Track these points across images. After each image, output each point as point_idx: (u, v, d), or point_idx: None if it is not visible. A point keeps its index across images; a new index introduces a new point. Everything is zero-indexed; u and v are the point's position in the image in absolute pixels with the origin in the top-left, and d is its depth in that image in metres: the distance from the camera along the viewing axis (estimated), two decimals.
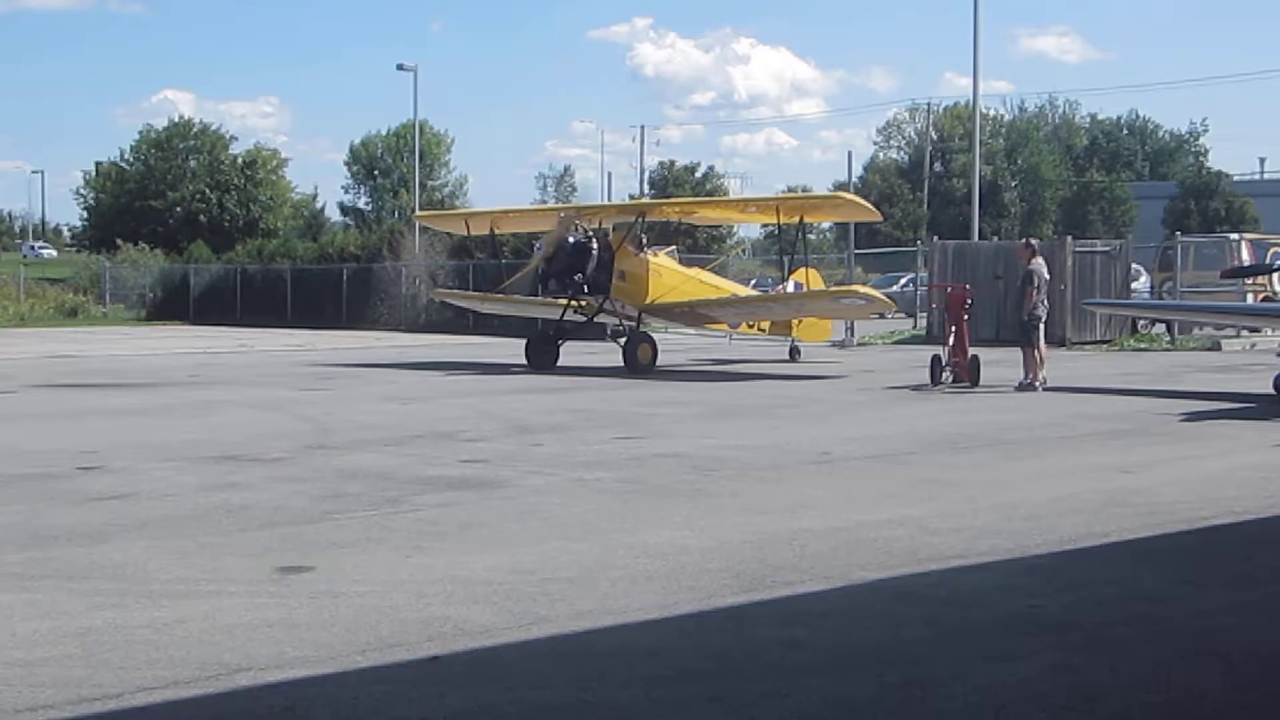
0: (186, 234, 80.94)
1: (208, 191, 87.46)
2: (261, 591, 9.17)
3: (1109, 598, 9.16)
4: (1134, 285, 43.06)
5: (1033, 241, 27.71)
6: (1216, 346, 36.86)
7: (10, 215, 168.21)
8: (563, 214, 32.34)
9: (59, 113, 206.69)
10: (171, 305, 65.69)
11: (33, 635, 8.12)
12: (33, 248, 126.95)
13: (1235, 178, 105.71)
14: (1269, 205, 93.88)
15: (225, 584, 9.38)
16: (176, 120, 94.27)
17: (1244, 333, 38.16)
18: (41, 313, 63.80)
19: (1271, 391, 22.39)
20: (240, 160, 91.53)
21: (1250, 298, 39.44)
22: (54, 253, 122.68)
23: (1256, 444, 17.44)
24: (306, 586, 9.30)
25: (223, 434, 18.34)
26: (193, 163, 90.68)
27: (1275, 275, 34.82)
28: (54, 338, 48.03)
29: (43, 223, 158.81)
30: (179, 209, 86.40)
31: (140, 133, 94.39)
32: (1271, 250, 42.68)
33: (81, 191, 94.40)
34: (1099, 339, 38.64)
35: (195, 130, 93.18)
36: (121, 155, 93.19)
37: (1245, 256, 42.00)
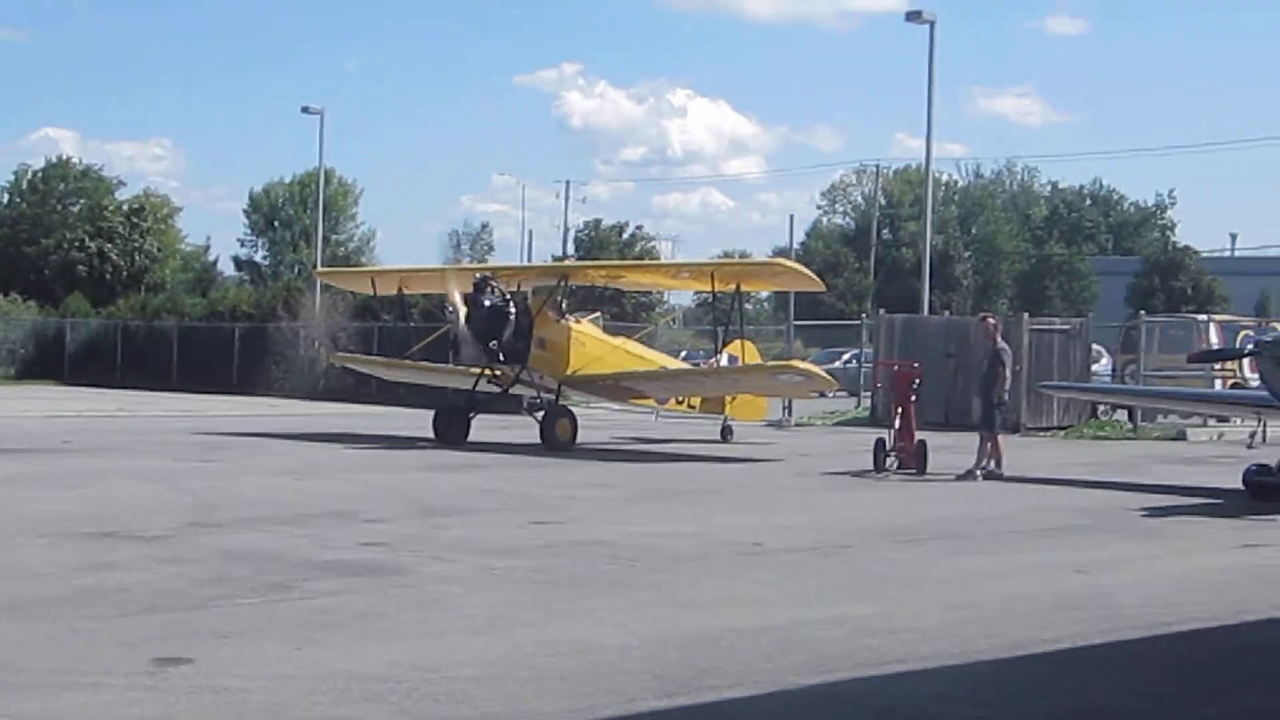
0: (63, 285, 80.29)
1: (88, 240, 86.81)
2: (138, 685, 9.06)
3: (1061, 711, 9.19)
4: (1095, 367, 43.43)
5: (996, 319, 27.95)
6: (1182, 436, 37.18)
7: None
8: (476, 274, 32.26)
9: None
10: (45, 363, 65.10)
11: None
12: None
13: (1204, 254, 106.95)
14: (1240, 284, 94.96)
15: (100, 676, 9.27)
16: (55, 160, 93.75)
17: (1211, 421, 38.52)
18: None
19: (1240, 486, 22.57)
20: (126, 207, 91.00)
21: (1219, 384, 39.84)
22: None
23: (1223, 544, 17.58)
24: (185, 680, 9.20)
25: (99, 508, 18.18)
26: (73, 207, 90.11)
27: (1246, 360, 35.16)
28: None
29: None
30: (55, 257, 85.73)
31: (15, 172, 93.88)
32: (1242, 333, 43.05)
33: None
34: (1056, 425, 38.90)
35: (76, 172, 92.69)
36: None
37: (1214, 339, 42.34)
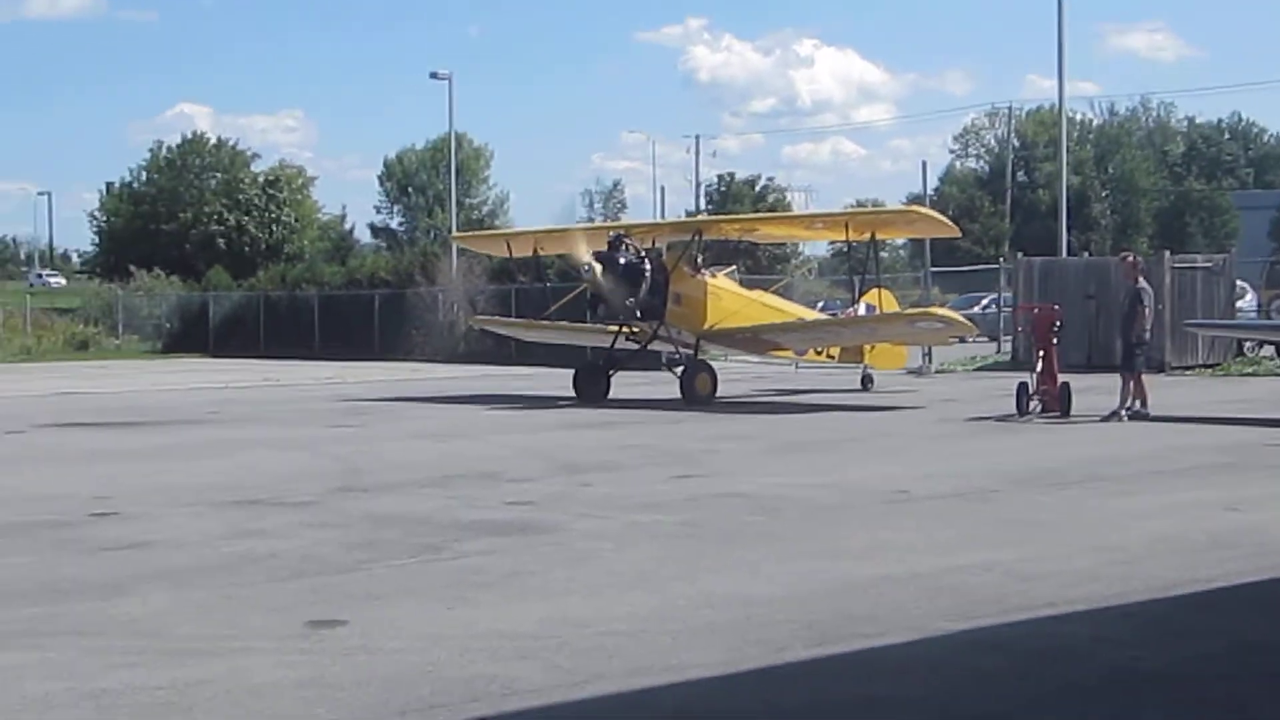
0: (204, 259, 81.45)
1: (226, 213, 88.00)
2: (290, 648, 9.18)
3: (1218, 650, 9.08)
4: (1239, 304, 42.79)
5: (1139, 258, 27.57)
6: None
7: (15, 241, 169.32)
8: (611, 233, 32.28)
9: (67, 130, 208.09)
10: (190, 336, 66.02)
11: (45, 697, 8.15)
12: (40, 276, 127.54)
13: None
14: None
15: (251, 640, 9.40)
16: (191, 136, 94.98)
17: None
18: (50, 346, 64.25)
19: None
20: (262, 179, 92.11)
21: None
22: (63, 281, 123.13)
23: None
24: (339, 642, 9.31)
25: (246, 476, 18.43)
26: (210, 182, 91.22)
27: None
28: (63, 373, 48.31)
29: (50, 249, 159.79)
30: (195, 232, 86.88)
31: (151, 150, 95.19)
32: None
33: (94, 214, 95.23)
34: (1202, 363, 38.40)
35: (211, 146, 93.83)
36: (133, 175, 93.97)
37: None
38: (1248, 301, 46.04)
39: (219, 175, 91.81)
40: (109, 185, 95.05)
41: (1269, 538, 12.95)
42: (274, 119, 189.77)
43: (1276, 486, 16.47)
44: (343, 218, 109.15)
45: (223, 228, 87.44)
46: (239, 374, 45.60)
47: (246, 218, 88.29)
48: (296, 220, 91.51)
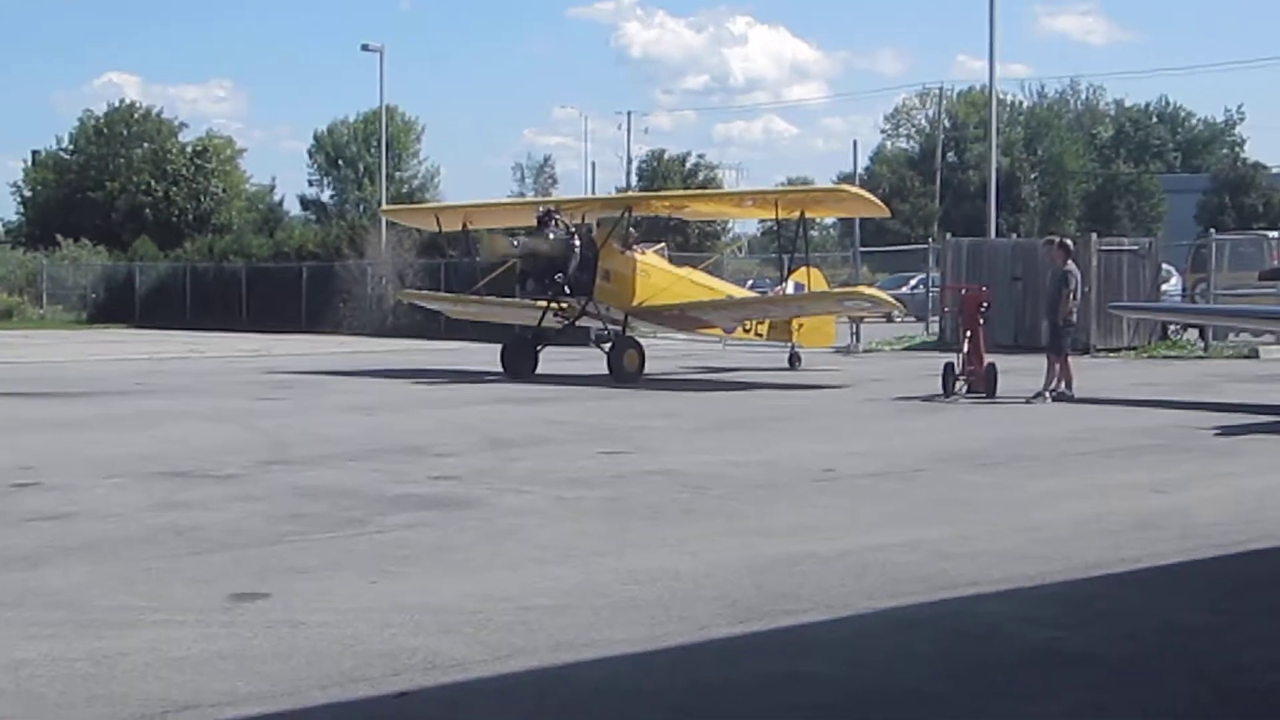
0: (131, 229, 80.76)
1: (153, 183, 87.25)
2: (213, 621, 9.11)
3: (1140, 630, 9.13)
4: (1164, 287, 43.10)
5: (1066, 241, 27.71)
6: (1254, 354, 36.90)
7: None
8: (540, 208, 32.20)
9: None
10: (115, 307, 65.67)
11: None
12: None
13: (1274, 170, 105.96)
14: None
15: (173, 613, 9.32)
16: (119, 105, 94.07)
17: None
18: None
19: None
20: (190, 149, 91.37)
21: None
22: None
23: None
24: (262, 615, 9.25)
25: (171, 448, 18.29)
26: (137, 151, 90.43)
27: None
28: None
29: None
30: (121, 202, 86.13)
31: (80, 119, 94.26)
32: None
33: (18, 184, 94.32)
34: (1126, 346, 38.68)
35: (139, 115, 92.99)
36: (59, 144, 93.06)
37: None
38: (1173, 285, 46.36)
39: (146, 145, 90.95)
40: (34, 154, 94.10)
41: (1193, 519, 13.03)
42: (203, 89, 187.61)
43: (1200, 468, 16.58)
44: (271, 189, 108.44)
45: (150, 198, 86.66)
46: (165, 345, 45.34)
47: (174, 188, 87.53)
48: (224, 191, 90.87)
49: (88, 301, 67.58)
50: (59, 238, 73.87)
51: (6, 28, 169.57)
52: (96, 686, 7.71)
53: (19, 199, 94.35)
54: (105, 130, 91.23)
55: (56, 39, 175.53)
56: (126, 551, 11.33)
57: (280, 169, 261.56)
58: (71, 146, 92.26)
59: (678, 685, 7.87)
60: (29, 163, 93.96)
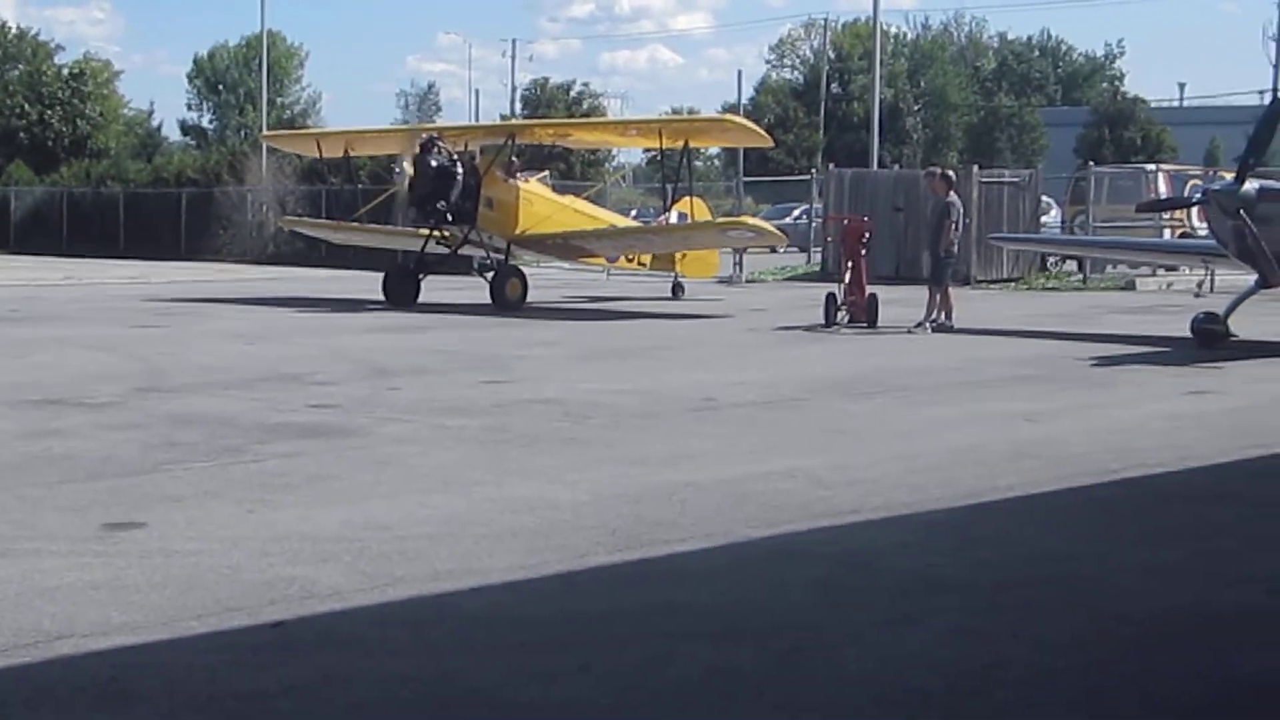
0: (4, 153, 79.46)
1: (27, 106, 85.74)
2: (86, 550, 9.02)
3: (1013, 557, 9.24)
4: (1044, 219, 43.54)
5: (949, 173, 27.85)
6: (1131, 286, 37.34)
7: None
8: (423, 135, 31.96)
9: None
10: None
11: None
12: None
13: (1152, 104, 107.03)
14: (1188, 134, 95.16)
15: (45, 542, 9.22)
16: None
17: (1160, 271, 38.65)
18: None
19: (1188, 334, 22.69)
20: (66, 72, 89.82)
21: (1167, 233, 39.94)
22: None
23: (1171, 391, 17.68)
24: (136, 545, 9.17)
25: (45, 375, 18.08)
26: (13, 74, 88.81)
27: (1194, 210, 35.23)
28: None
29: None
30: None
31: None
32: (1190, 183, 43.09)
33: None
34: (1006, 277, 39.02)
35: (13, 37, 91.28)
36: None
37: (1163, 189, 42.42)
38: (1052, 217, 46.86)
39: (21, 67, 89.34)
40: None
41: (1066, 449, 13.19)
42: (81, 10, 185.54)
43: (1075, 399, 16.77)
44: (150, 114, 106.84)
45: (24, 121, 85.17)
46: (40, 272, 44.75)
47: (49, 111, 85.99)
48: (102, 115, 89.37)
49: None
50: None
51: None
52: None
53: None
54: None
55: None
56: None
57: (159, 94, 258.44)
58: None
59: (555, 614, 7.88)
60: None
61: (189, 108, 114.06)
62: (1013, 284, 38.46)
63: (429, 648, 7.29)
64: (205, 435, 13.39)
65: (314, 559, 8.85)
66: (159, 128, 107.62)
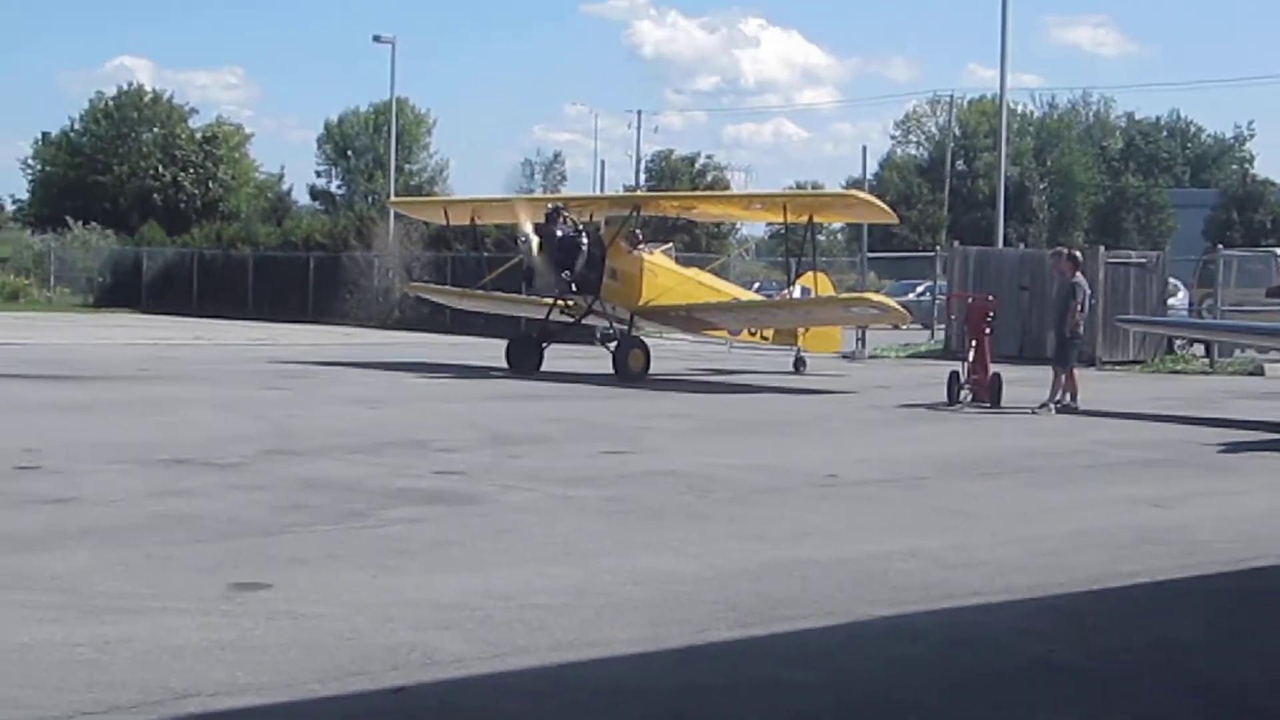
0: (139, 214, 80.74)
1: (162, 168, 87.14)
2: (213, 610, 9.14)
3: (1137, 645, 9.15)
4: (1171, 301, 43.04)
5: (1075, 253, 27.70)
6: (1260, 371, 36.83)
7: None
8: (548, 205, 32.11)
9: (2, 79, 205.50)
10: (122, 291, 65.56)
11: None
12: None
13: None
14: None
15: (174, 600, 9.35)
16: (128, 88, 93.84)
17: None
18: None
19: None
20: (199, 135, 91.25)
21: None
22: None
23: None
24: (262, 606, 9.27)
25: (174, 435, 18.33)
26: (146, 136, 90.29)
27: None
28: None
29: None
30: (130, 186, 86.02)
31: (91, 101, 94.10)
32: None
33: (28, 162, 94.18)
34: (1131, 359, 38.63)
35: (148, 100, 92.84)
36: (70, 125, 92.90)
37: None
38: (1179, 299, 46.34)
39: (156, 129, 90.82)
40: (44, 134, 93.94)
41: (1193, 535, 13.04)
42: (215, 75, 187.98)
43: (1202, 485, 16.58)
44: (280, 178, 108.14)
45: (158, 183, 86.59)
46: (170, 331, 45.35)
47: (183, 174, 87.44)
48: (233, 178, 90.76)
49: (94, 285, 67.49)
50: (69, 220, 73.75)
51: (20, 7, 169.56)
52: (97, 672, 7.73)
53: (29, 179, 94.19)
54: (115, 113, 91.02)
55: (69, 20, 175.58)
56: (128, 537, 11.36)
57: (289, 158, 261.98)
58: (80, 128, 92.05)
59: (674, 687, 7.90)
60: (39, 143, 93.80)
61: (318, 173, 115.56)
62: (1138, 366, 38.06)
63: (549, 718, 7.31)
64: (331, 499, 13.52)
65: (436, 625, 8.91)
66: (289, 191, 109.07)
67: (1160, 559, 11.83)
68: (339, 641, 8.48)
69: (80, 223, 72.70)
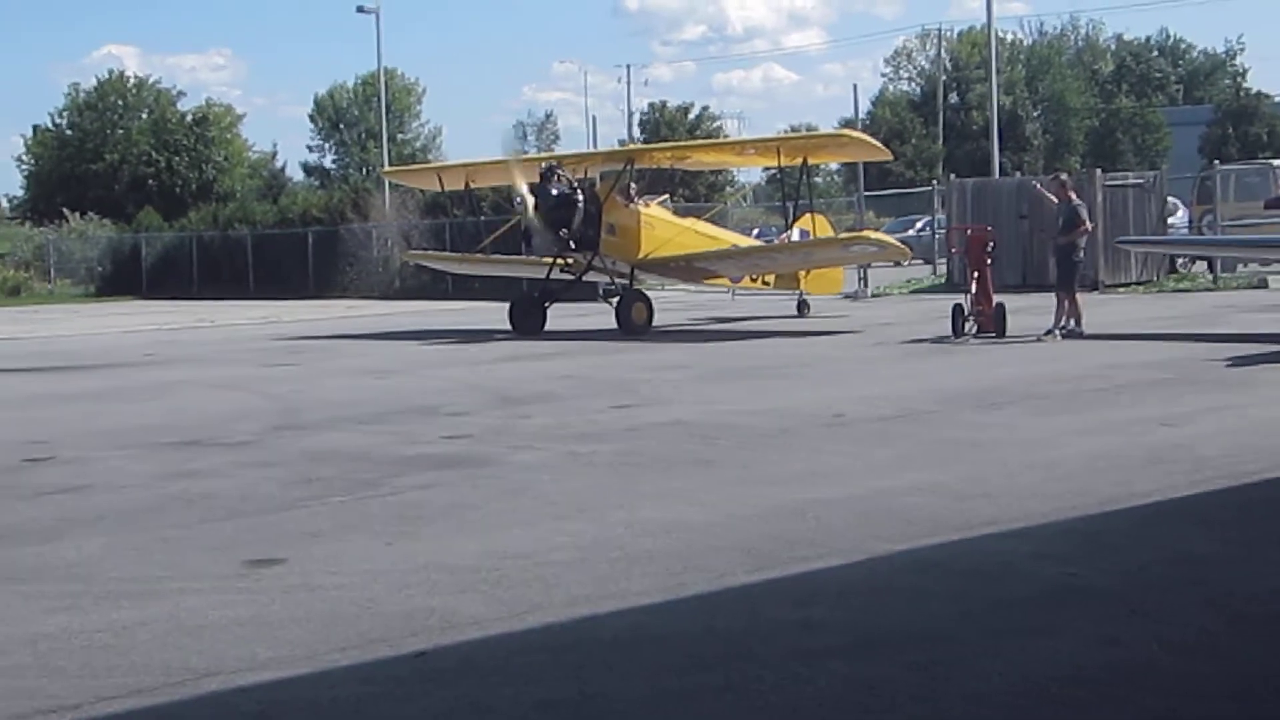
0: (134, 201, 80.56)
1: (154, 153, 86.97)
2: (229, 588, 9.16)
3: (1153, 563, 9.16)
4: (1170, 220, 42.94)
5: (1062, 176, 27.66)
6: (1263, 284, 36.80)
7: None
8: (542, 164, 32.07)
9: None
10: (122, 279, 65.49)
11: None
12: None
13: (1277, 99, 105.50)
14: None
15: (189, 581, 9.37)
16: (109, 76, 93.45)
17: None
18: None
19: None
20: (190, 118, 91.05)
21: None
22: None
23: None
24: (278, 580, 9.29)
25: (182, 417, 18.34)
26: (136, 122, 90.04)
27: None
28: None
29: None
30: (123, 173, 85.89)
31: (67, 94, 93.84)
32: None
33: (21, 158, 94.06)
34: (1134, 280, 38.59)
35: (132, 86, 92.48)
36: (52, 119, 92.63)
37: None
38: (1179, 217, 46.23)
39: (145, 115, 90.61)
40: (35, 128, 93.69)
41: (1203, 452, 13.04)
42: (203, 57, 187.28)
43: (1210, 401, 16.56)
44: (273, 155, 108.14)
45: (152, 168, 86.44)
46: (173, 316, 45.29)
47: (176, 158, 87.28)
48: (226, 159, 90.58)
49: (95, 275, 67.41)
50: (65, 212, 73.64)
51: (5, 3, 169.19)
52: (116, 657, 7.76)
53: (23, 174, 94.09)
54: (99, 103, 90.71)
55: (54, 11, 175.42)
56: (141, 522, 11.38)
57: (282, 135, 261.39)
58: (66, 120, 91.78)
59: (694, 634, 7.91)
60: (30, 137, 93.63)
61: (310, 149, 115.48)
62: (1142, 287, 38.02)
63: (570, 673, 7.32)
64: (341, 470, 13.54)
65: (453, 589, 8.93)
66: (283, 169, 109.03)
67: (1171, 477, 11.85)
68: (357, 610, 8.50)
69: (76, 214, 72.58)
